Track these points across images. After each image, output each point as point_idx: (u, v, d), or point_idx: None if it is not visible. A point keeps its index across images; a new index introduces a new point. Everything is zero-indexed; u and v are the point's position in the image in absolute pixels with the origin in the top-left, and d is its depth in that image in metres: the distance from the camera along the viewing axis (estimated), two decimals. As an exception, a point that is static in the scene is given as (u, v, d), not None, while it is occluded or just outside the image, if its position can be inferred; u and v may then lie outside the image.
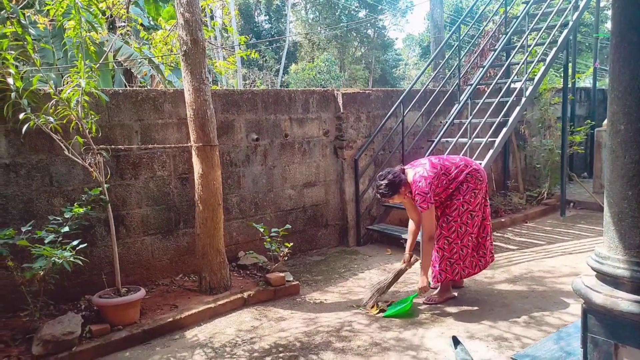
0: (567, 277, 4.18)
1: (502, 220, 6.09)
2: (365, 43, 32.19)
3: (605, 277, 2.13)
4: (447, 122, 5.79)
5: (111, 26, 6.69)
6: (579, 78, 8.63)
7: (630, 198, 2.08)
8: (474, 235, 3.79)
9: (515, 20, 6.62)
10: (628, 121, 2.08)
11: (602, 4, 13.03)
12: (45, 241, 3.09)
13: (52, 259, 2.95)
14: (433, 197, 3.58)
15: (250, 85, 23.60)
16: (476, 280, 4.27)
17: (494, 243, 5.36)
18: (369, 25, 30.27)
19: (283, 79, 27.77)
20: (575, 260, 4.65)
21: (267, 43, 27.73)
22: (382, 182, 3.63)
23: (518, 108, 5.65)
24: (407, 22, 40.56)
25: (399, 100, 5.75)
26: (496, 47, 6.74)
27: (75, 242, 3.13)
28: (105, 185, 3.55)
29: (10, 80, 3.27)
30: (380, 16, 31.12)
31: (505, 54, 7.01)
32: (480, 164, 5.31)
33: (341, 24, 29.71)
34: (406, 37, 40.12)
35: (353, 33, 29.19)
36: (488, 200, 3.90)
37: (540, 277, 4.26)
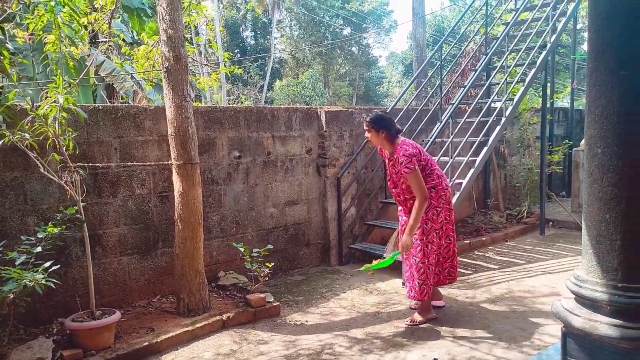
0: (547, 298, 4.20)
1: (483, 239, 6.13)
2: (349, 60, 32.55)
3: (584, 300, 2.14)
4: (429, 140, 5.83)
5: (93, 40, 6.63)
6: (557, 98, 8.80)
7: (608, 221, 2.09)
8: (436, 254, 3.79)
9: (495, 41, 6.76)
10: (605, 145, 2.11)
11: (578, 26, 13.42)
12: (17, 263, 2.99)
13: (23, 281, 2.85)
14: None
15: (235, 101, 23.60)
16: (457, 300, 4.26)
17: (475, 261, 5.40)
18: (353, 42, 30.64)
19: (267, 95, 27.85)
20: (554, 280, 4.68)
21: (253, 59, 27.82)
22: (374, 113, 3.70)
23: (498, 128, 5.73)
24: (390, 41, 41.24)
25: (381, 119, 5.77)
26: (477, 68, 6.86)
27: (47, 264, 3.03)
28: (82, 204, 3.46)
29: (-16, 96, 3.20)
30: (364, 34, 31.54)
31: (485, 74, 7.14)
32: (461, 182, 5.37)
33: (326, 42, 30.01)
34: (390, 55, 40.71)
35: (337, 50, 29.51)
36: (452, 225, 3.89)
37: (521, 297, 4.28)
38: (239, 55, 29.75)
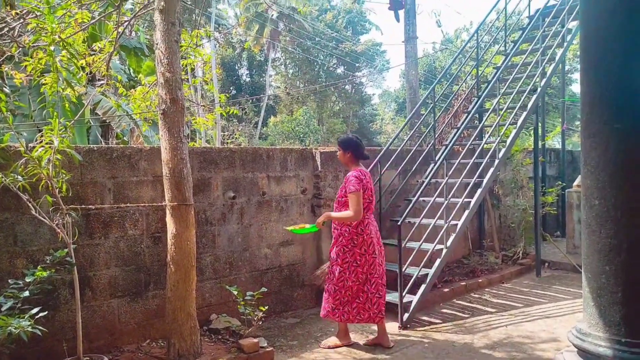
0: (546, 344, 4.12)
1: (479, 280, 6.06)
2: (343, 98, 33.10)
3: (586, 355, 2.09)
4: (423, 181, 5.86)
5: (90, 79, 6.70)
6: (548, 140, 8.93)
7: (608, 273, 2.07)
8: (356, 283, 4.10)
9: (487, 84, 6.91)
10: (602, 196, 2.11)
11: (566, 68, 13.79)
12: (3, 308, 2.90)
13: (8, 328, 2.75)
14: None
15: (229, 137, 23.73)
16: (455, 346, 4.17)
17: (471, 304, 5.32)
18: (346, 81, 31.23)
19: (262, 131, 28.10)
20: (553, 325, 4.61)
21: (248, 96, 28.21)
22: (346, 135, 4.36)
23: (492, 169, 5.77)
24: (383, 79, 42.07)
25: (376, 159, 5.82)
26: (469, 110, 6.98)
27: (34, 310, 2.94)
28: (73, 246, 3.40)
29: (-21, 137, 3.19)
30: (358, 74, 32.20)
31: (478, 116, 7.25)
32: (457, 224, 5.36)
33: (320, 80, 30.55)
34: (382, 92, 41.52)
35: (331, 88, 30.03)
36: (376, 257, 4.14)
37: (520, 343, 4.19)
38: (234, 92, 30.19)
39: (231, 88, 30.86)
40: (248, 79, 32.99)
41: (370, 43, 32.49)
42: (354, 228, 4.07)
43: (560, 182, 8.07)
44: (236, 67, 32.07)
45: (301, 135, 24.41)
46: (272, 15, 27.47)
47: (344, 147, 4.20)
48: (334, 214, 4.13)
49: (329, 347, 4.21)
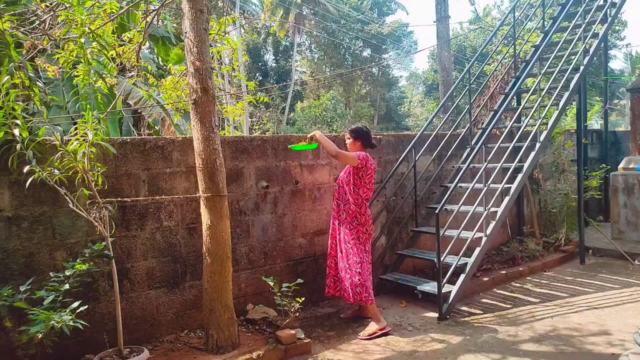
0: (596, 337, 3.93)
1: (520, 269, 5.85)
2: (370, 81, 32.64)
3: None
4: (460, 167, 5.65)
5: (121, 69, 6.70)
6: (590, 120, 8.53)
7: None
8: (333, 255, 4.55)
9: (526, 64, 6.59)
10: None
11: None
12: (45, 302, 2.91)
13: (51, 323, 2.76)
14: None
15: (257, 123, 23.74)
16: (498, 338, 4.02)
17: (513, 294, 5.13)
18: (373, 63, 30.77)
19: (289, 117, 28.03)
20: (602, 317, 4.40)
21: (274, 81, 28.14)
22: (356, 125, 4.58)
23: (533, 153, 5.52)
24: (411, 61, 41.20)
25: (410, 145, 5.64)
26: (507, 91, 6.69)
27: (75, 304, 2.95)
28: (110, 239, 3.40)
29: (16, 132, 3.18)
30: (384, 56, 31.65)
31: (515, 97, 6.95)
32: (496, 211, 5.16)
33: (346, 64, 30.15)
34: (410, 75, 40.73)
35: (358, 72, 29.62)
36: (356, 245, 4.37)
37: (568, 336, 4.01)
38: (260, 78, 30.15)
39: (257, 74, 30.84)
40: (274, 64, 32.90)
41: (397, 24, 31.81)
42: (357, 207, 4.35)
43: (604, 165, 7.69)
44: (262, 53, 31.99)
45: (329, 120, 24.20)
46: (297, -2, 27.14)
47: (355, 136, 4.48)
48: (321, 136, 4.37)
49: (369, 337, 4.19)
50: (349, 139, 4.52)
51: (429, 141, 5.82)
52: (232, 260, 4.04)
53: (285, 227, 4.92)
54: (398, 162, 5.62)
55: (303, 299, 4.10)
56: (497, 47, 7.59)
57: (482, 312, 4.70)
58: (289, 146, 4.69)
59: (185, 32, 3.73)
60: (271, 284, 4.02)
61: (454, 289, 4.70)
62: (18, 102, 3.21)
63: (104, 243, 3.37)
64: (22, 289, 3.01)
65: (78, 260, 3.27)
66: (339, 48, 30.84)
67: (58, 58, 3.89)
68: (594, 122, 15.71)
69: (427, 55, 30.32)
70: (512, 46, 6.98)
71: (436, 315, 4.57)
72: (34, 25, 3.88)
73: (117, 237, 3.83)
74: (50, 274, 3.24)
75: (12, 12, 3.80)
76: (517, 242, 6.65)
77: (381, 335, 4.19)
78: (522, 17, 12.03)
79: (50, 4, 4.02)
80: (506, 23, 8.78)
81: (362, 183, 4.35)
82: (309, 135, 4.46)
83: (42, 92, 3.50)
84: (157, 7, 4.83)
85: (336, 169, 5.32)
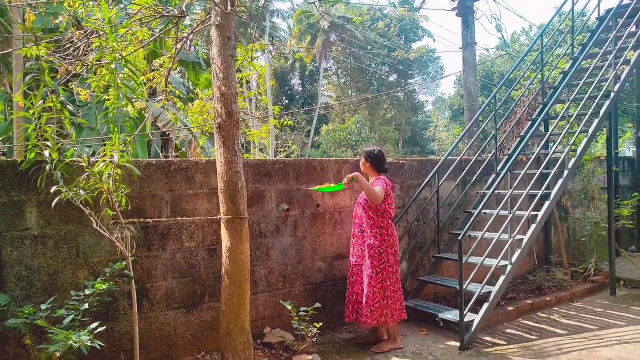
0: (628, 374, 3.75)
1: (547, 298, 5.66)
2: (395, 105, 32.70)
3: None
4: (485, 192, 5.56)
5: (151, 93, 6.93)
6: (621, 147, 8.31)
7: None
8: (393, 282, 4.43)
9: (553, 89, 6.51)
10: None
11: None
12: (65, 321, 2.96)
13: (69, 342, 2.80)
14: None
15: (282, 145, 24.00)
16: (523, 371, 3.88)
17: (539, 324, 4.95)
18: (399, 88, 30.89)
19: (314, 139, 28.25)
20: (634, 352, 4.19)
21: (300, 105, 28.50)
22: (371, 148, 4.62)
23: (561, 180, 5.39)
24: (437, 86, 41.19)
25: (433, 170, 5.59)
26: (534, 117, 6.59)
27: (94, 325, 2.99)
28: (131, 259, 3.45)
29: (46, 153, 3.30)
30: (410, 81, 31.74)
31: (543, 123, 6.84)
32: (522, 239, 5.03)
33: (372, 88, 30.33)
34: (436, 99, 40.68)
35: (383, 96, 29.75)
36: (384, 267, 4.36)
37: (597, 372, 3.84)
38: (287, 102, 30.58)
39: (284, 98, 31.32)
40: (300, 89, 33.37)
41: (424, 50, 31.95)
42: (384, 229, 4.37)
43: (636, 194, 7.45)
44: (288, 77, 32.53)
45: (353, 143, 24.28)
46: (324, 25, 27.66)
47: (366, 157, 4.59)
48: (362, 178, 4.31)
49: (383, 352, 4.37)
50: (362, 159, 4.63)
51: (452, 166, 5.76)
52: (251, 283, 4.04)
53: (304, 250, 4.90)
54: (421, 187, 5.57)
55: (321, 323, 4.06)
56: (524, 72, 7.52)
57: (505, 343, 4.55)
58: (310, 188, 4.72)
59: (213, 58, 3.84)
60: (289, 307, 3.99)
61: (476, 318, 4.57)
62: (50, 125, 3.34)
63: (124, 262, 3.42)
64: (43, 307, 3.07)
65: (98, 279, 3.33)
66: (365, 73, 31.12)
67: (90, 83, 4.05)
68: (626, 149, 15.28)
69: (454, 80, 30.30)
70: (540, 72, 6.91)
71: (458, 344, 4.44)
72: (68, 51, 4.05)
73: (139, 256, 3.89)
74: (71, 292, 3.30)
75: (48, 39, 3.98)
76: (544, 271, 6.45)
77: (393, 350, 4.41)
78: (551, 42, 11.94)
79: (85, 31, 4.21)
80: (534, 49, 8.72)
81: (386, 205, 4.40)
82: (349, 176, 4.38)
83: (73, 115, 3.63)
84: (187, 34, 5.00)
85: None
